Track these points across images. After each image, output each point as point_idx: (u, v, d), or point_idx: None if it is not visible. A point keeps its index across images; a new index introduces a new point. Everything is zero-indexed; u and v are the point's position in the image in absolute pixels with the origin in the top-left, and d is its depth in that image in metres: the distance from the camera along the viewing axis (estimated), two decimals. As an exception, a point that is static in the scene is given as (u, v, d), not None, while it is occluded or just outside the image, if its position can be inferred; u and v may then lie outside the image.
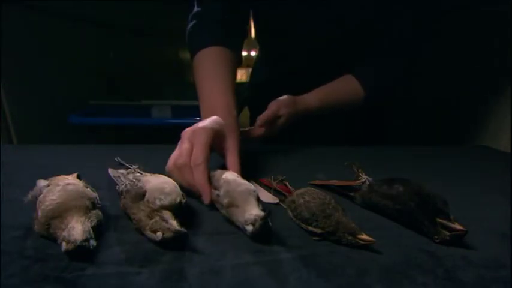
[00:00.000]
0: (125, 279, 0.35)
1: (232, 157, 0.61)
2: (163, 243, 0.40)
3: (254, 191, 0.47)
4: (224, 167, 0.59)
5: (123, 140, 1.92)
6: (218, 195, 0.49)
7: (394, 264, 0.38)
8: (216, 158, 0.72)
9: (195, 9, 0.84)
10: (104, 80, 2.13)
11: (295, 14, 0.86)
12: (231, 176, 0.51)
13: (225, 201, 0.46)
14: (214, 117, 0.63)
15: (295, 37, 0.90)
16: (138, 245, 0.41)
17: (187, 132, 0.59)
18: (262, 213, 0.41)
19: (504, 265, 0.38)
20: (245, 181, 0.49)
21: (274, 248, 0.41)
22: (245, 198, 0.45)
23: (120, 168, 0.61)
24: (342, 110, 0.87)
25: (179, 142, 0.59)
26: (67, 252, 0.36)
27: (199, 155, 0.55)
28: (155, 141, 0.96)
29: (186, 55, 4.27)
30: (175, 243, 0.40)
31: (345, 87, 0.85)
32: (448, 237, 0.41)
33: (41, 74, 1.57)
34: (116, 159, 0.68)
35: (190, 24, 0.84)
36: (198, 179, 0.53)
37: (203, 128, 0.59)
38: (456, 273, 0.37)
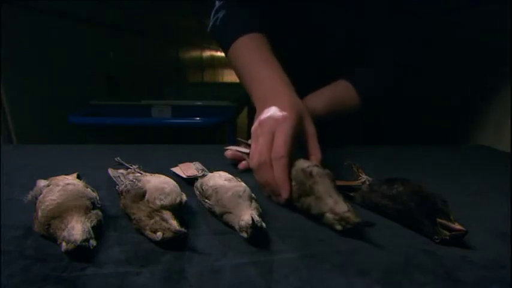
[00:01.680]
0: (125, 279, 0.35)
1: (313, 141, 0.57)
2: (163, 243, 0.40)
3: (244, 191, 0.46)
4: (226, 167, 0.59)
5: (123, 140, 1.91)
6: (210, 206, 0.48)
7: (394, 264, 0.38)
8: (212, 154, 0.72)
9: (217, 3, 0.83)
10: (104, 80, 2.13)
11: (300, 13, 0.86)
12: (218, 181, 0.50)
13: (217, 210, 0.47)
14: (287, 102, 0.57)
15: (298, 36, 0.90)
16: (138, 245, 0.41)
17: (265, 119, 0.53)
18: (251, 221, 0.40)
19: (504, 265, 0.38)
20: (233, 183, 0.49)
21: (274, 247, 0.41)
22: (235, 203, 0.45)
23: (120, 168, 0.61)
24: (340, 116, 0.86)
25: (256, 134, 0.54)
26: (67, 252, 0.36)
27: (282, 147, 0.50)
28: (155, 141, 0.96)
29: (186, 55, 4.30)
30: (175, 243, 0.40)
31: (345, 95, 0.83)
32: (447, 237, 0.41)
33: (41, 74, 1.56)
34: (116, 159, 0.68)
35: (217, 18, 0.81)
36: (278, 174, 0.49)
37: (285, 116, 0.53)
38: (456, 273, 0.37)
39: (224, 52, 0.82)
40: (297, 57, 0.92)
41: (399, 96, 1.19)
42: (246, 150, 0.68)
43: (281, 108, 0.55)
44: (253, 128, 0.57)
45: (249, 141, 0.64)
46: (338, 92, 0.82)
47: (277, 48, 0.89)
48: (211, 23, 0.84)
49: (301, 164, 0.51)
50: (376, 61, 0.85)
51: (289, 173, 0.51)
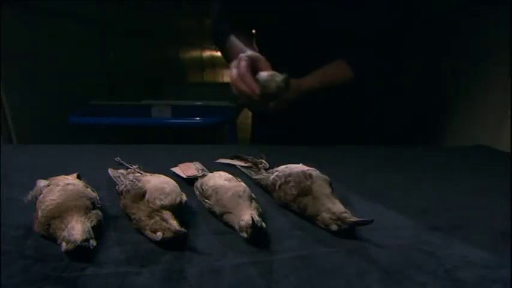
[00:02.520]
0: (124, 279, 0.35)
1: (264, 62, 0.81)
2: (163, 243, 0.40)
3: (244, 191, 0.46)
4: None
5: (123, 140, 1.92)
6: (210, 206, 0.48)
7: (394, 264, 0.38)
8: (214, 154, 0.72)
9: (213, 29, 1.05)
10: (104, 80, 2.13)
11: (288, 12, 0.93)
12: (218, 181, 0.50)
13: (217, 210, 0.47)
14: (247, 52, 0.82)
15: (289, 34, 0.95)
16: (138, 245, 0.41)
17: (233, 62, 0.81)
18: (251, 221, 0.40)
19: (504, 265, 0.38)
20: (233, 183, 0.49)
21: (274, 248, 0.41)
22: (235, 203, 0.45)
23: (120, 168, 0.61)
24: (333, 87, 0.92)
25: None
26: (67, 252, 0.36)
27: (243, 68, 0.78)
28: (155, 141, 0.96)
29: (186, 55, 4.30)
30: (175, 243, 0.40)
31: (336, 67, 0.92)
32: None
33: (41, 73, 1.56)
34: (116, 159, 0.68)
35: (214, 23, 1.05)
36: (247, 81, 0.76)
37: (241, 55, 0.81)
38: (456, 273, 0.37)
39: (222, 54, 1.04)
40: (289, 50, 0.95)
41: (393, 88, 1.22)
42: (239, 163, 0.69)
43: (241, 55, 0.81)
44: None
45: (246, 157, 0.71)
46: (329, 66, 0.91)
47: (270, 45, 0.95)
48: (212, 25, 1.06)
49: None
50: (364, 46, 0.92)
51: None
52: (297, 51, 0.95)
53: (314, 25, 0.92)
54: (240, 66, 0.78)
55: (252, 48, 0.92)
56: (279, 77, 0.75)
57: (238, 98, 0.84)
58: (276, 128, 0.98)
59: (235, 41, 0.95)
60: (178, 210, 0.44)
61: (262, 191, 0.57)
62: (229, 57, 0.97)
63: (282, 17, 0.94)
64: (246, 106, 1.03)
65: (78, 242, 0.36)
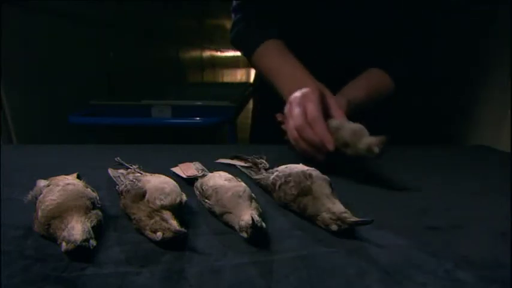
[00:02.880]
0: (125, 279, 0.35)
1: (334, 103, 0.67)
2: (163, 243, 0.40)
3: (244, 191, 0.46)
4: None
5: (123, 140, 1.92)
6: (210, 206, 0.48)
7: (394, 264, 0.38)
8: (215, 154, 0.72)
9: (234, 16, 0.93)
10: (104, 80, 2.13)
11: (318, 11, 0.87)
12: (218, 181, 0.50)
13: (217, 210, 0.47)
14: (310, 84, 0.69)
15: (317, 36, 0.90)
16: (138, 245, 0.41)
17: (294, 97, 0.65)
18: (251, 221, 0.40)
19: (504, 265, 0.38)
20: (233, 183, 0.49)
21: (274, 247, 0.41)
22: (235, 203, 0.45)
23: (120, 168, 0.61)
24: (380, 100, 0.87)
25: (287, 109, 0.65)
26: (67, 252, 0.37)
27: (315, 110, 0.61)
28: (155, 141, 0.96)
29: (186, 55, 4.30)
30: (175, 243, 0.40)
31: (379, 82, 0.85)
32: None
33: (41, 74, 1.56)
34: (116, 159, 0.68)
35: (237, 30, 0.92)
36: (319, 130, 0.59)
37: (308, 90, 0.65)
38: (456, 273, 0.37)
39: (248, 59, 0.91)
40: (321, 56, 0.92)
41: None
42: (239, 163, 0.69)
43: (310, 87, 0.67)
44: (285, 108, 0.68)
45: (246, 157, 0.70)
46: (373, 80, 0.84)
47: (300, 49, 0.90)
48: (231, 34, 0.94)
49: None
50: (406, 52, 0.87)
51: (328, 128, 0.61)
52: (328, 58, 0.88)
53: (348, 28, 0.86)
54: (309, 107, 0.62)
55: (304, 71, 0.76)
56: (371, 139, 0.57)
57: (295, 146, 0.66)
58: (276, 128, 0.97)
59: (275, 53, 0.82)
60: (178, 210, 0.44)
61: (262, 191, 0.57)
62: (261, 72, 0.86)
63: (310, 18, 0.88)
64: (304, 156, 0.67)
65: (78, 242, 0.36)
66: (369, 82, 0.84)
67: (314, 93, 0.64)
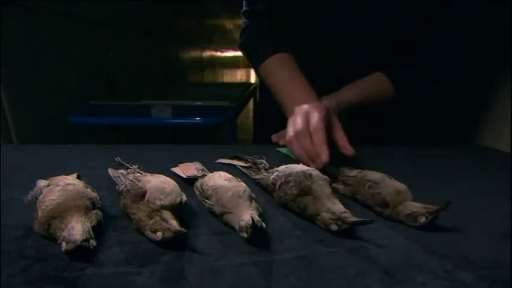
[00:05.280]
0: (125, 279, 0.35)
1: (340, 132, 0.65)
2: (163, 243, 0.40)
3: (244, 191, 0.46)
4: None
5: (123, 140, 1.92)
6: (210, 206, 0.48)
7: (394, 264, 0.38)
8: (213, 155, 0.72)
9: (243, 22, 0.93)
10: (104, 80, 2.13)
11: (327, 13, 0.87)
12: (218, 181, 0.50)
13: (217, 210, 0.47)
14: (315, 102, 0.68)
15: (329, 42, 0.89)
16: (138, 245, 0.41)
17: (300, 109, 0.64)
18: (251, 221, 0.40)
19: (504, 265, 0.38)
20: (233, 183, 0.49)
21: (274, 247, 0.41)
22: (235, 203, 0.45)
23: (120, 168, 0.61)
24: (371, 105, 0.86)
25: (291, 120, 0.64)
26: (67, 252, 0.37)
27: (318, 120, 0.60)
28: (155, 141, 0.96)
29: (186, 55, 4.30)
30: (175, 243, 0.40)
31: (378, 84, 0.85)
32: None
33: (41, 74, 1.56)
34: (116, 159, 0.68)
35: (245, 38, 0.92)
36: (318, 141, 0.58)
37: (317, 104, 0.65)
38: (456, 273, 0.37)
39: (254, 69, 0.91)
40: (323, 57, 0.92)
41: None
42: (239, 163, 0.69)
43: (315, 103, 0.67)
44: (290, 118, 0.67)
45: (246, 157, 0.71)
46: (371, 82, 0.84)
47: (303, 51, 0.90)
48: (240, 40, 0.94)
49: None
50: (418, 60, 0.86)
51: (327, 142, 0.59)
52: (330, 59, 0.89)
53: (349, 28, 0.85)
54: (313, 117, 0.61)
55: (312, 93, 0.76)
56: (418, 207, 0.46)
57: (289, 148, 0.68)
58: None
59: (280, 71, 0.82)
60: (178, 210, 0.44)
61: (262, 191, 0.57)
62: (267, 85, 0.86)
63: (310, 18, 0.87)
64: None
65: (78, 242, 0.36)
66: (368, 83, 0.84)
67: (322, 107, 0.64)
